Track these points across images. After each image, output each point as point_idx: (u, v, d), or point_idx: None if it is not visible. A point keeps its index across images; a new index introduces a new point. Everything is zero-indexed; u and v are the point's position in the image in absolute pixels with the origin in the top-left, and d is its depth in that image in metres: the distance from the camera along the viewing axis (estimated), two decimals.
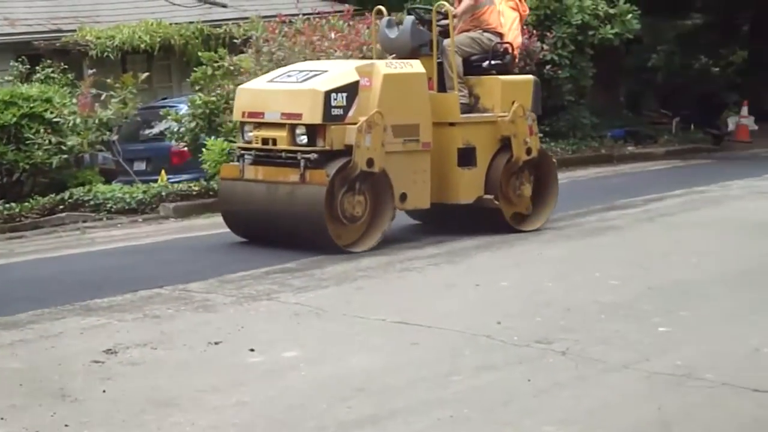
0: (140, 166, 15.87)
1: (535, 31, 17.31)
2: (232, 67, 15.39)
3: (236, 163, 10.25)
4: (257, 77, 14.50)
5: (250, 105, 10.06)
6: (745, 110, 24.23)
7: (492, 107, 10.60)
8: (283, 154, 9.72)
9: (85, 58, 18.72)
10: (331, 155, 9.55)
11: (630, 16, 19.42)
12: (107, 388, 5.69)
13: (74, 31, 19.24)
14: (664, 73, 27.38)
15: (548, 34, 17.95)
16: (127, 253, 10.32)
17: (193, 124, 15.13)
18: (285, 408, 5.32)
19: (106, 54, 18.63)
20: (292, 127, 9.67)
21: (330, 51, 14.23)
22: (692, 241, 10.02)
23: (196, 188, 13.60)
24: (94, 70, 16.25)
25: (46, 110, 14.68)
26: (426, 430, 5.00)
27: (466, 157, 10.39)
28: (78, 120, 14.53)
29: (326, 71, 9.94)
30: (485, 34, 10.83)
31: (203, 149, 14.82)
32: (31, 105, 14.66)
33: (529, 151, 10.60)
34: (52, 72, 17.39)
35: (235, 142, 14.54)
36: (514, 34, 11.11)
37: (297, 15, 16.16)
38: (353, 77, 9.69)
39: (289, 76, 10.09)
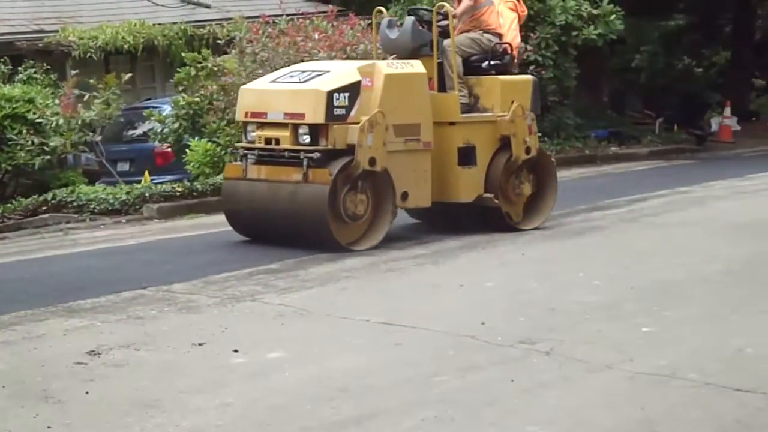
0: (123, 167, 15.84)
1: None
2: (215, 68, 15.38)
3: (239, 163, 10.32)
4: (242, 77, 14.59)
5: (253, 105, 10.15)
6: (728, 111, 24.33)
7: (491, 107, 10.72)
8: (286, 154, 9.81)
9: (68, 59, 18.66)
10: (334, 154, 9.65)
11: (613, 16, 19.48)
12: (90, 390, 5.67)
13: (57, 31, 19.18)
14: (648, 74, 27.48)
15: (532, 34, 17.96)
16: (111, 254, 10.29)
17: (176, 125, 15.12)
18: (269, 409, 5.32)
19: (89, 54, 18.58)
20: (295, 127, 9.77)
21: (314, 52, 14.22)
22: (676, 241, 10.05)
23: (180, 189, 13.56)
24: (77, 70, 16.20)
25: (28, 111, 14.64)
26: (410, 430, 5.00)
27: (467, 156, 10.51)
28: (61, 121, 14.50)
29: (328, 71, 10.04)
30: (485, 34, 10.93)
31: (187, 150, 14.81)
32: (14, 106, 14.62)
33: (528, 151, 10.72)
34: (35, 73, 17.36)
35: (218, 143, 14.61)
36: (512, 35, 11.22)
37: (280, 16, 16.12)
38: (355, 77, 9.79)
39: (291, 76, 10.19)
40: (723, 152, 21.82)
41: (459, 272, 8.74)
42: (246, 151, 10.16)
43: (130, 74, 16.21)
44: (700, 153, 21.47)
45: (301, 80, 9.94)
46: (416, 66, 10.14)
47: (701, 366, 5.80)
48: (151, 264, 9.52)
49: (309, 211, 9.53)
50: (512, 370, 5.84)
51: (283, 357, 6.24)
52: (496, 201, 10.51)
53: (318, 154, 9.60)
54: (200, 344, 6.54)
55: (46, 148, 14.38)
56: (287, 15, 16.12)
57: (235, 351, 6.35)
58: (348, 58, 13.86)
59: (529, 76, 11.52)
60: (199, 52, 16.06)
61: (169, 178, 14.85)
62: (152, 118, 15.58)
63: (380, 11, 11.11)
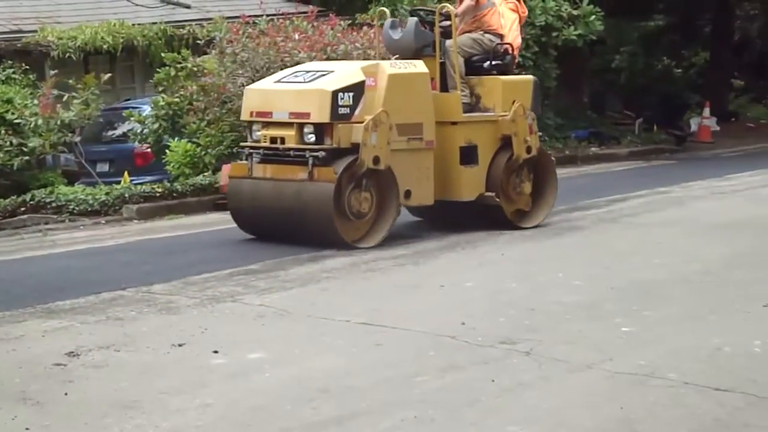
0: (103, 167, 15.78)
1: None
2: (195, 68, 15.36)
3: (244, 162, 10.42)
4: (222, 77, 14.58)
5: (259, 105, 10.27)
6: (707, 111, 24.44)
7: (493, 107, 10.87)
8: (292, 153, 9.93)
9: (46, 59, 18.57)
10: (339, 153, 9.78)
11: (593, 17, 19.54)
12: (69, 391, 5.65)
13: (36, 31, 19.07)
14: (627, 74, 27.58)
15: None
16: (90, 255, 10.26)
17: (156, 126, 15.09)
18: (249, 409, 5.30)
19: (68, 55, 18.49)
20: (300, 126, 9.89)
21: (294, 52, 14.21)
22: (655, 241, 10.08)
23: (160, 190, 13.52)
24: (56, 70, 16.12)
25: (7, 111, 14.57)
26: (390, 430, 5.00)
27: (468, 155, 10.65)
28: (40, 121, 14.44)
29: (333, 71, 10.16)
30: (486, 35, 11.07)
31: (167, 151, 14.78)
32: None
33: (529, 150, 10.87)
34: (13, 73, 17.25)
35: (198, 144, 14.58)
36: (513, 35, 11.37)
37: (260, 16, 16.11)
38: (359, 77, 9.92)
39: (296, 76, 10.33)
40: (702, 153, 21.92)
41: (439, 273, 8.75)
42: (251, 150, 10.28)
43: (109, 74, 16.13)
44: (680, 153, 21.56)
45: (306, 80, 10.08)
46: (419, 66, 10.30)
47: (680, 365, 5.82)
48: (131, 265, 9.49)
49: (314, 209, 9.68)
50: (493, 370, 5.85)
51: (263, 357, 6.23)
52: (497, 200, 10.66)
53: (323, 153, 9.72)
54: (180, 345, 6.52)
55: (25, 149, 14.31)
56: (267, 15, 16.11)
57: (215, 352, 6.33)
58: (328, 58, 13.86)
59: (530, 77, 11.68)
60: (179, 53, 16.02)
61: (148, 178, 14.81)
62: (132, 118, 15.54)
63: (384, 13, 11.35)
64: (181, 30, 19.95)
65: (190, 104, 14.95)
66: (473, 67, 10.97)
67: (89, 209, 13.13)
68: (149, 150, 15.45)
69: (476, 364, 5.99)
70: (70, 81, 14.95)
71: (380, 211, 10.05)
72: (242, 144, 10.93)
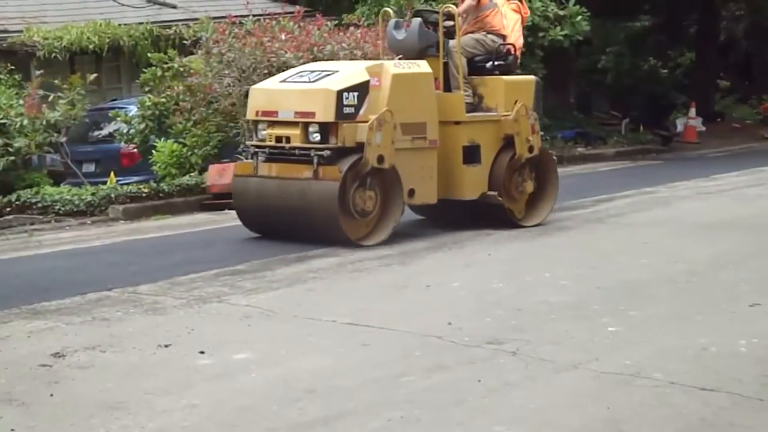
0: (89, 167, 15.74)
1: None
2: (181, 69, 15.34)
3: (250, 161, 10.50)
4: (208, 77, 14.56)
5: (264, 104, 10.37)
6: (693, 111, 24.52)
7: (495, 106, 11.00)
8: (297, 152, 10.03)
9: (32, 59, 18.53)
10: (343, 152, 9.87)
11: (579, 17, 19.57)
12: (55, 392, 5.63)
13: (21, 31, 19.03)
14: (614, 75, 27.62)
15: None
16: (76, 256, 10.23)
17: (142, 126, 15.07)
18: (235, 410, 5.30)
19: (53, 55, 18.45)
20: (306, 126, 9.98)
21: (280, 52, 14.20)
22: (641, 241, 10.10)
23: (146, 190, 13.51)
24: (42, 71, 16.09)
25: None
26: (377, 430, 5.00)
27: (471, 154, 10.78)
28: (25, 121, 14.39)
29: (337, 71, 10.26)
30: (489, 35, 11.20)
31: (153, 151, 14.76)
32: None
33: (531, 149, 11.00)
34: None
35: (185, 144, 14.56)
36: (516, 36, 11.50)
37: (247, 16, 16.09)
38: (364, 77, 10.02)
39: (301, 76, 10.42)
40: (688, 153, 21.99)
41: (426, 273, 8.75)
42: (256, 149, 10.37)
43: (95, 75, 16.10)
44: (666, 153, 21.62)
45: (311, 80, 10.17)
46: (422, 66, 10.40)
47: (666, 365, 5.83)
48: (117, 265, 9.47)
49: (319, 207, 9.77)
50: (479, 370, 5.85)
51: (249, 358, 6.22)
52: (500, 198, 10.77)
53: (328, 152, 9.81)
54: (166, 346, 6.50)
55: (11, 149, 14.25)
56: (254, 15, 16.10)
57: (202, 352, 6.32)
58: (315, 58, 13.85)
59: (532, 77, 11.84)
60: (165, 53, 16.00)
61: (135, 179, 14.79)
62: (118, 118, 15.51)
63: (387, 13, 11.46)
64: (167, 30, 19.92)
65: (176, 104, 14.93)
66: (476, 68, 11.11)
67: (75, 210, 13.10)
68: (135, 150, 15.42)
69: (463, 364, 5.99)
70: (56, 81, 14.91)
71: (384, 209, 10.16)
72: (247, 143, 11.01)
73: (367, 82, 9.99)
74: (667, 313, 7.11)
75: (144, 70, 16.11)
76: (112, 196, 13.29)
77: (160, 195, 13.50)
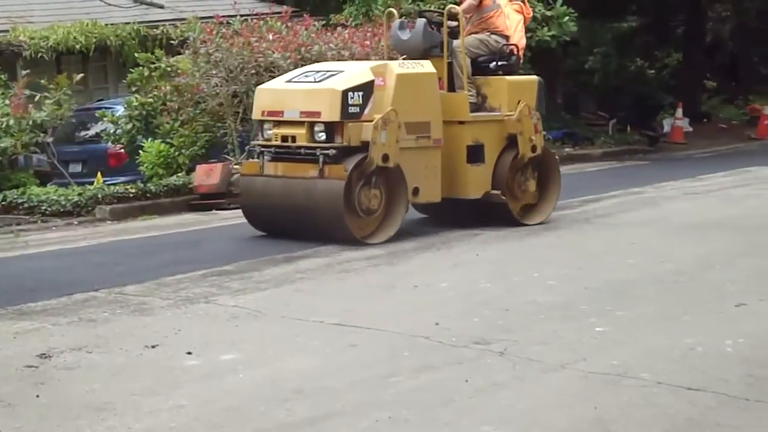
0: (76, 168, 15.70)
1: None
2: (169, 69, 15.32)
3: (256, 160, 10.57)
4: (195, 77, 14.53)
5: (270, 104, 10.44)
6: (679, 112, 24.59)
7: (499, 106, 11.10)
8: (302, 151, 10.11)
9: (18, 59, 18.48)
10: (349, 151, 9.95)
11: (567, 18, 19.61)
12: (41, 393, 5.61)
13: (7, 31, 18.98)
14: (601, 75, 27.69)
15: None
16: (62, 256, 10.20)
17: (129, 126, 15.05)
18: (222, 411, 5.28)
19: (40, 55, 18.41)
20: (311, 125, 10.06)
21: (268, 53, 14.19)
22: (628, 241, 10.12)
23: (133, 190, 13.48)
24: (28, 70, 16.04)
25: None
26: (365, 431, 4.99)
27: (475, 154, 10.87)
28: (11, 121, 14.36)
29: (342, 71, 10.34)
30: (492, 36, 11.32)
31: (140, 151, 14.73)
32: None
33: (534, 149, 11.11)
34: None
35: (172, 144, 14.54)
36: (518, 36, 11.61)
37: (234, 16, 16.07)
38: (368, 77, 10.10)
39: (306, 76, 10.50)
40: (675, 153, 22.04)
41: (413, 273, 8.75)
42: (262, 149, 10.43)
43: (82, 75, 16.07)
44: (653, 154, 21.67)
45: (317, 80, 10.24)
46: (427, 66, 10.48)
47: (653, 365, 5.84)
48: (104, 266, 9.44)
49: (325, 205, 9.84)
50: (467, 370, 5.85)
51: (237, 359, 6.21)
52: (503, 197, 10.83)
53: (333, 151, 9.89)
54: (153, 346, 6.49)
55: None
56: (241, 15, 16.08)
57: (189, 353, 6.30)
58: (302, 59, 13.85)
59: (535, 77, 11.84)
60: (153, 53, 15.97)
61: (122, 179, 14.75)
62: (105, 118, 15.48)
63: (392, 13, 11.52)
64: (154, 30, 19.89)
65: (163, 104, 14.91)
66: (479, 68, 11.21)
67: (62, 210, 13.07)
68: (122, 150, 15.39)
69: (450, 364, 5.99)
70: (43, 81, 14.87)
71: (389, 207, 10.23)
72: (253, 142, 11.10)
73: (372, 81, 10.06)
74: (654, 313, 7.12)
75: (131, 70, 16.08)
76: (99, 196, 13.25)
77: (147, 195, 13.48)
